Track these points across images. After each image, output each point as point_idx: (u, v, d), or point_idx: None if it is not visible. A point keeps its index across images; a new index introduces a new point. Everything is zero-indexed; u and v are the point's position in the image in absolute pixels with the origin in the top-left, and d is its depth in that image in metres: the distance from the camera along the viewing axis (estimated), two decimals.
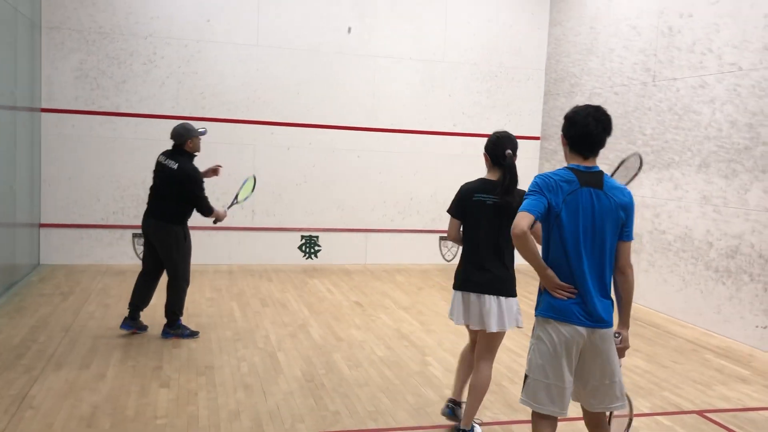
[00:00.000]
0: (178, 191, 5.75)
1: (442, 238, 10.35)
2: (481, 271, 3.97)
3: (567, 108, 9.63)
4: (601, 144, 3.16)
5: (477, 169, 10.02)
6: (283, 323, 6.59)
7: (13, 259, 7.57)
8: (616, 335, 3.23)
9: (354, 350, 5.83)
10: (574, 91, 9.73)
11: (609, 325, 3.15)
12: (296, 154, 9.67)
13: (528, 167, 10.65)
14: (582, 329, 3.08)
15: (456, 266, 4.17)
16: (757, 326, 6.50)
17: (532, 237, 3.09)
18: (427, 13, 10.00)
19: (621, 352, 3.23)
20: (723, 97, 6.98)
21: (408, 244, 10.23)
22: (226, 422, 4.22)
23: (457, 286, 4.09)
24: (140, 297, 5.94)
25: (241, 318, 6.72)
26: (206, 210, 5.89)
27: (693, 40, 7.41)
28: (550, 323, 3.14)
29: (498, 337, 4.06)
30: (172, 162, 5.78)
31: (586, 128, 3.12)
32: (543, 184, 3.11)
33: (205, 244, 9.12)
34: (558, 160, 10.12)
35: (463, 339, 6.22)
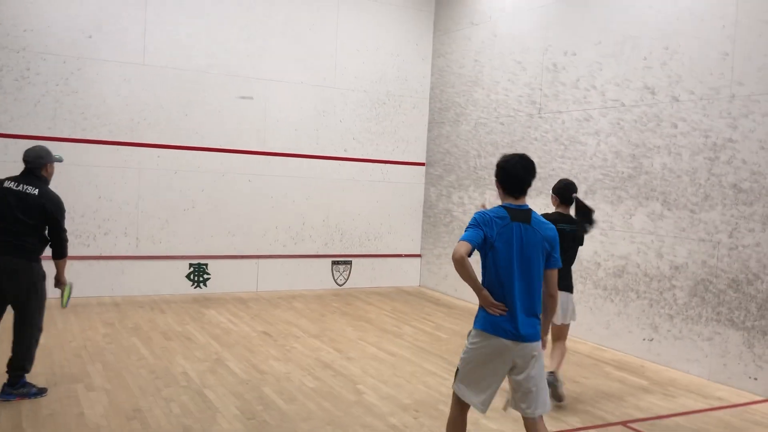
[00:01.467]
0: (40, 221, 4.87)
1: (334, 263, 10.35)
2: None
3: (452, 136, 10.15)
4: (528, 185, 3.72)
5: (369, 193, 10.28)
6: (197, 358, 6.27)
7: None
8: None
9: (282, 383, 5.67)
10: (460, 120, 10.20)
11: (532, 339, 3.61)
12: (184, 178, 9.26)
13: (414, 191, 10.98)
14: (509, 342, 3.57)
15: None
16: (644, 339, 7.14)
17: (469, 262, 3.53)
18: (318, 40, 10.05)
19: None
20: (607, 129, 7.65)
21: (300, 269, 10.12)
22: None
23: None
24: None
25: (149, 355, 6.29)
26: (64, 248, 5.02)
27: (577, 77, 8.07)
28: (483, 334, 3.62)
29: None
30: (30, 188, 4.87)
31: (515, 174, 3.68)
32: (480, 219, 3.63)
33: (84, 275, 8.46)
34: (443, 185, 10.51)
35: (384, 364, 6.29)
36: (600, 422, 5.16)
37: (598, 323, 7.68)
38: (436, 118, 10.80)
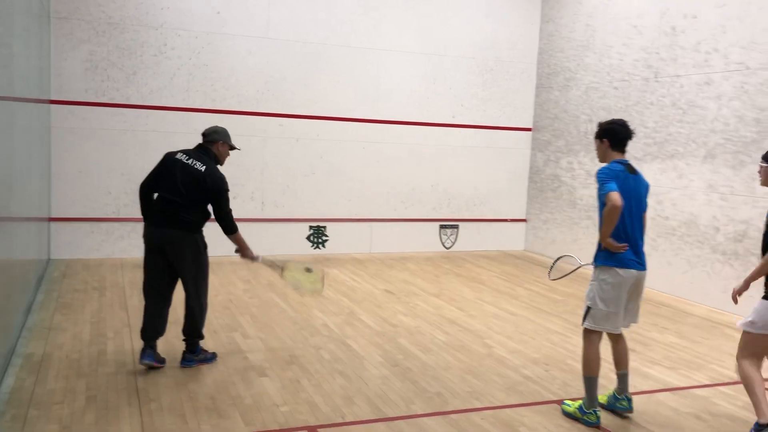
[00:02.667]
0: (201, 198, 4.92)
1: (441, 226, 10.70)
2: None
3: (561, 101, 10.21)
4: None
5: (476, 159, 10.52)
6: (332, 312, 6.79)
7: (26, 253, 7.40)
8: None
9: (415, 336, 6.10)
10: (570, 85, 10.23)
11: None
12: (304, 145, 9.78)
13: (521, 156, 11.13)
14: (635, 272, 4.35)
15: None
16: None
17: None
18: (429, 7, 10.27)
19: None
20: (730, 93, 7.58)
21: (410, 232, 10.53)
22: (344, 407, 4.42)
23: None
24: (159, 324, 5.01)
25: (288, 308, 6.86)
26: (235, 226, 5.11)
27: (698, 40, 7.98)
28: (614, 270, 4.31)
29: None
30: (199, 163, 4.92)
31: (625, 134, 4.47)
32: (610, 173, 4.28)
33: (214, 236, 9.11)
34: (551, 150, 10.61)
35: (506, 322, 6.61)
36: (728, 380, 5.32)
37: (715, 287, 7.72)
38: (544, 83, 10.85)
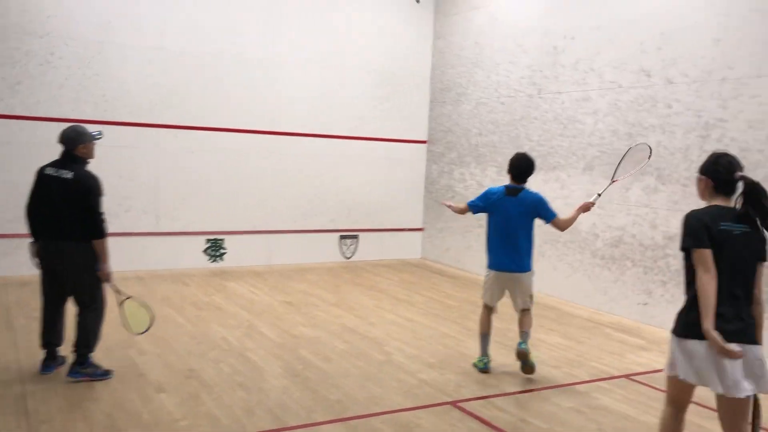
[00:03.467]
0: (77, 204, 4.85)
1: (341, 237, 10.85)
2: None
3: (453, 115, 10.65)
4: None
5: (374, 170, 10.75)
6: (231, 325, 6.77)
7: None
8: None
9: (315, 346, 6.20)
10: (461, 99, 10.68)
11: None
12: (200, 157, 9.68)
13: (417, 167, 11.48)
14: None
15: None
16: (639, 303, 7.75)
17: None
18: (327, 21, 10.43)
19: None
20: (605, 109, 8.18)
21: (310, 244, 10.61)
22: (245, 419, 4.46)
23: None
24: (56, 334, 5.14)
25: (186, 323, 6.78)
26: (102, 230, 4.93)
27: (576, 60, 8.57)
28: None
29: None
30: (65, 171, 4.89)
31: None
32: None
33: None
34: (445, 162, 11.01)
35: (404, 329, 6.85)
36: (605, 375, 5.76)
37: (596, 290, 8.28)
38: (438, 98, 11.26)
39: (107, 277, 5.08)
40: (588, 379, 5.66)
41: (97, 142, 5.19)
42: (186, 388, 4.97)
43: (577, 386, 5.46)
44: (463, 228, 10.60)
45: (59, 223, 4.90)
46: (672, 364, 3.45)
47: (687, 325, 3.37)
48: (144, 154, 9.23)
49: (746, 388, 3.24)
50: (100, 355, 5.33)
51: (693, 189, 7.05)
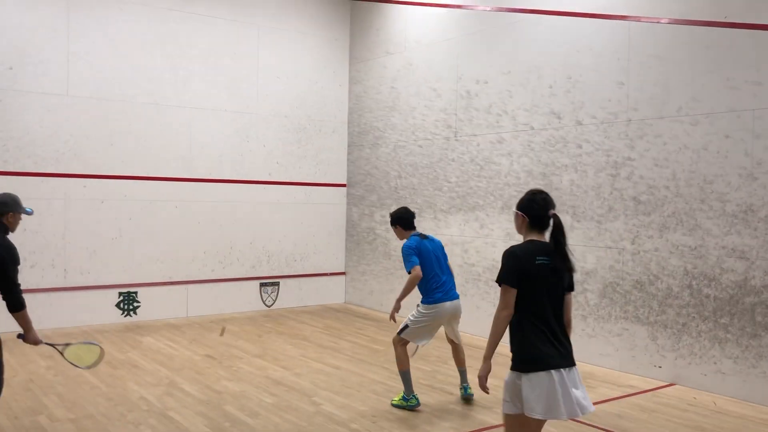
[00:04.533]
0: None
1: (262, 284, 10.59)
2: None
3: (372, 158, 10.72)
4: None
5: (293, 215, 10.62)
6: (149, 383, 6.41)
7: None
8: None
9: (241, 401, 5.95)
10: (379, 143, 10.77)
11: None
12: (111, 207, 9.27)
13: (337, 211, 11.42)
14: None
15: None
16: None
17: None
18: (239, 67, 10.35)
19: None
20: (519, 150, 8.44)
21: (229, 293, 10.30)
22: None
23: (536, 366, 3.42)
24: None
25: (100, 383, 6.37)
26: (18, 301, 4.54)
27: (489, 103, 8.83)
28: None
29: None
30: None
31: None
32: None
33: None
34: (365, 204, 11.02)
35: (332, 377, 6.70)
36: None
37: None
38: (356, 141, 11.32)
39: (35, 343, 4.68)
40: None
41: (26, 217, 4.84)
42: None
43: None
44: (386, 271, 10.59)
45: None
46: (505, 401, 3.49)
47: (526, 361, 3.44)
48: (50, 205, 8.76)
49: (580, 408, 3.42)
50: (6, 424, 4.91)
51: (608, 225, 7.35)
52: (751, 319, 6.22)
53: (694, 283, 6.67)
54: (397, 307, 5.90)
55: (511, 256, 3.53)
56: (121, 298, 9.38)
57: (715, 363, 6.50)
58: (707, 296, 6.57)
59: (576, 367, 3.50)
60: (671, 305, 6.85)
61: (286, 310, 10.64)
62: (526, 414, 3.35)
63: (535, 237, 3.59)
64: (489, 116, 8.85)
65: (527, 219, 3.61)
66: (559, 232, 3.55)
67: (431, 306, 5.83)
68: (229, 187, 10.28)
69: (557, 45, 7.98)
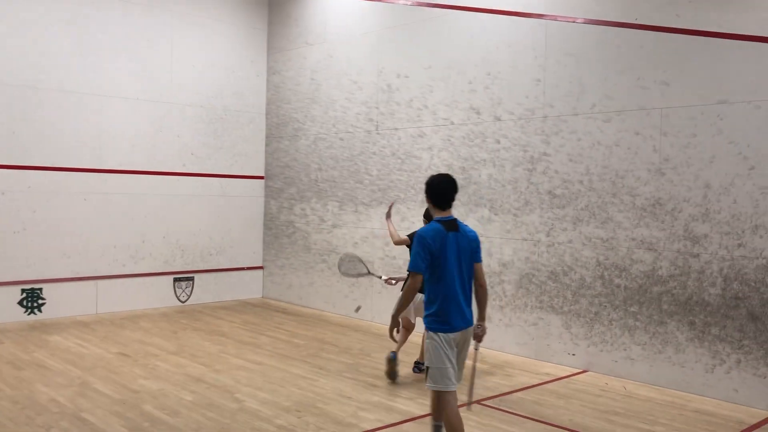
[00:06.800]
0: None
1: (176, 280, 10.27)
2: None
3: (291, 150, 10.59)
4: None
5: (208, 208, 10.36)
6: (59, 384, 6.09)
7: None
8: (479, 326, 4.41)
9: (160, 399, 5.74)
10: (298, 135, 10.65)
11: (471, 323, 4.36)
12: (13, 199, 8.74)
13: (254, 204, 11.22)
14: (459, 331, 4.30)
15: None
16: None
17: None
18: (153, 55, 9.97)
19: (480, 337, 4.43)
20: (439, 145, 8.54)
21: (142, 288, 9.93)
22: None
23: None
24: None
25: (5, 386, 6.00)
26: None
27: (410, 98, 8.89)
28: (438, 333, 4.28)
29: None
30: None
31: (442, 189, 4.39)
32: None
33: None
34: (284, 197, 10.88)
35: (253, 373, 6.58)
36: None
37: None
38: (274, 133, 11.14)
39: None
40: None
41: None
42: None
43: (427, 417, 5.52)
44: (305, 264, 10.49)
45: None
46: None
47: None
48: None
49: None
50: None
51: (524, 218, 7.56)
52: (658, 307, 6.57)
53: (605, 273, 6.97)
54: (394, 324, 4.72)
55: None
56: (24, 295, 8.86)
57: (625, 350, 6.82)
58: (618, 286, 6.88)
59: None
60: (584, 295, 7.14)
61: (201, 305, 10.37)
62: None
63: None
64: (410, 110, 8.91)
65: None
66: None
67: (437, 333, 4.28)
68: (141, 179, 9.89)
69: (477, 41, 8.12)
